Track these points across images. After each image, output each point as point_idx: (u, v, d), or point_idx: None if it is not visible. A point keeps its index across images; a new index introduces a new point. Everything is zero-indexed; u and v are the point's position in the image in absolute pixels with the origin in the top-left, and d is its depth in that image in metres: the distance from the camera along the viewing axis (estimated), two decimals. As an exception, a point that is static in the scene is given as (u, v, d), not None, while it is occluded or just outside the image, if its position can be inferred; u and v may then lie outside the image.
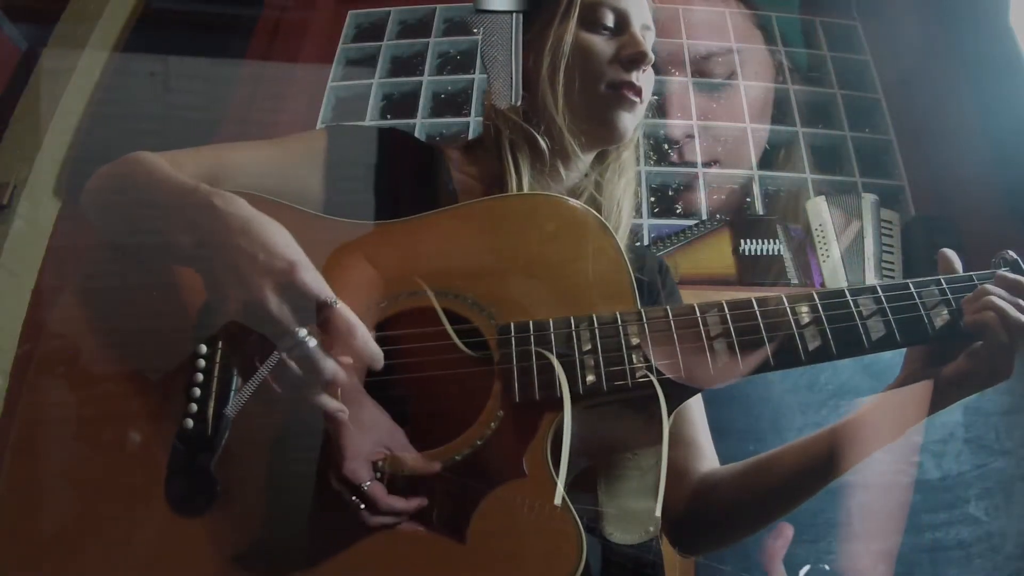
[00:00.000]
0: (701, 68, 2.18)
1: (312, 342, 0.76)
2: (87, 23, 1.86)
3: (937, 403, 0.89)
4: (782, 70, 2.19)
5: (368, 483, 0.79)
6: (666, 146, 2.12)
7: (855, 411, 0.96)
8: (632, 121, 1.05)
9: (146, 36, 2.02)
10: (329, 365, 0.77)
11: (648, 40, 1.05)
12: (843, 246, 1.98)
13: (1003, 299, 0.84)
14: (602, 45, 1.03)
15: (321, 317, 0.77)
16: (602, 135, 1.06)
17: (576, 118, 1.04)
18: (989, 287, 0.85)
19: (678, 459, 1.05)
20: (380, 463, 0.81)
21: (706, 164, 2.11)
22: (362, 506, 0.79)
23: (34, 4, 1.88)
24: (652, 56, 1.03)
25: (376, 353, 0.82)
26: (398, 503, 0.80)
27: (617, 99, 1.03)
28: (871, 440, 0.95)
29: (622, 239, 1.04)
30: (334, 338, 0.78)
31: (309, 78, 2.13)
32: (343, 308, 0.78)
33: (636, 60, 1.02)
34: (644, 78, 1.04)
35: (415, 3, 2.27)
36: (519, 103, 1.05)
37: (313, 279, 0.77)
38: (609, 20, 1.04)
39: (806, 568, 0.94)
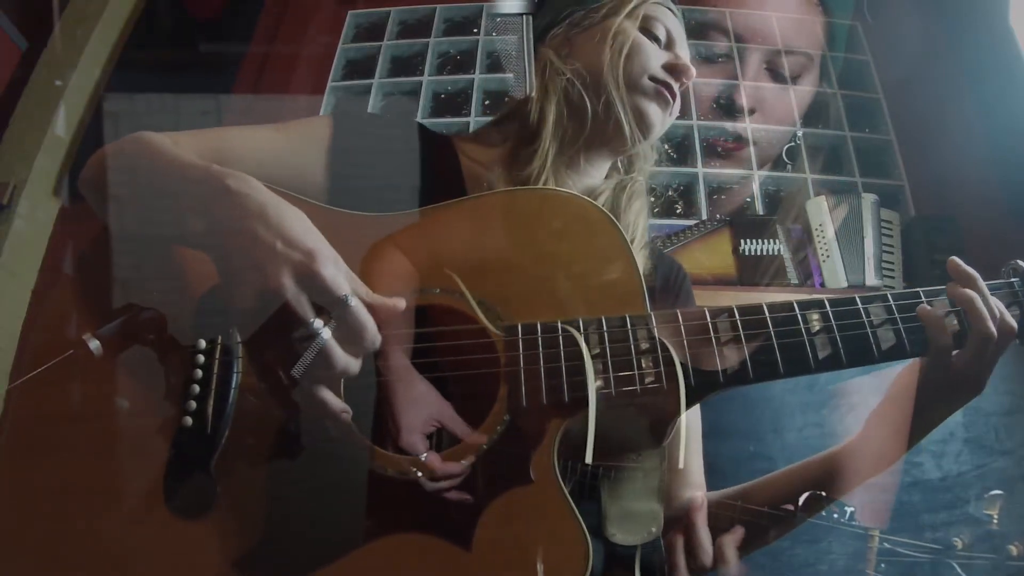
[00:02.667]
0: (779, 60, 2.21)
1: (327, 333, 0.76)
2: (87, 23, 1.85)
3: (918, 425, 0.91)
4: (827, 76, 2.22)
5: (425, 454, 0.81)
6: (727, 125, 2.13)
7: (834, 447, 0.97)
8: (660, 120, 1.10)
9: (146, 35, 2.02)
10: (341, 358, 0.77)
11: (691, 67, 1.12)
12: (836, 225, 1.98)
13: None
14: (654, 50, 1.10)
15: (335, 311, 0.77)
16: (633, 122, 1.08)
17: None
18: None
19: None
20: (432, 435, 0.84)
21: (752, 142, 2.15)
22: (419, 474, 0.81)
23: (34, 4, 1.87)
24: (693, 73, 1.10)
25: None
26: (454, 468, 0.81)
27: (656, 92, 1.09)
28: (851, 476, 0.96)
29: (637, 256, 1.04)
30: (344, 333, 0.77)
31: (309, 78, 2.12)
32: (357, 305, 0.77)
33: (680, 70, 1.10)
34: (678, 94, 1.11)
35: (415, 3, 2.27)
36: (533, 94, 1.10)
37: (331, 271, 0.77)
38: (661, 33, 1.11)
39: (806, 495, 0.94)
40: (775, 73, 2.20)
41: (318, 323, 0.76)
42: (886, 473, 0.96)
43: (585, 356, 0.82)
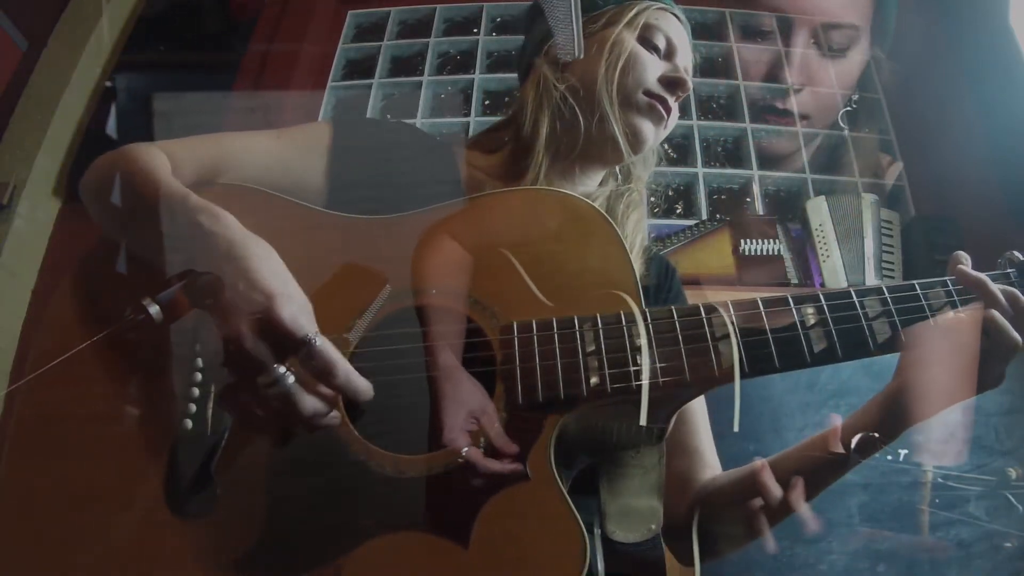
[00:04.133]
0: (826, 35, 2.22)
1: (290, 379, 0.74)
2: (87, 23, 1.86)
3: (928, 408, 0.89)
4: (878, 58, 2.23)
5: (466, 450, 0.81)
6: (776, 102, 2.15)
7: (849, 416, 0.96)
8: (652, 135, 1.09)
9: (146, 33, 2.02)
10: (308, 402, 0.75)
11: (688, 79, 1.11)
12: (841, 233, 1.99)
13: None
14: (652, 61, 1.09)
15: (301, 353, 0.75)
16: (626, 138, 1.07)
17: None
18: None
19: (681, 467, 1.05)
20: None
21: (802, 116, 2.18)
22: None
23: (34, 4, 1.87)
24: (690, 86, 1.09)
25: (362, 387, 0.79)
26: (495, 465, 0.80)
27: (649, 107, 1.07)
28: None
29: (635, 264, 1.04)
30: (314, 374, 0.76)
31: (309, 78, 2.13)
32: (323, 344, 0.75)
33: (676, 83, 1.08)
34: (673, 107, 1.09)
35: (415, 3, 2.27)
36: (581, 55, 1.09)
37: (290, 314, 0.75)
38: (661, 43, 1.10)
39: (858, 436, 0.93)
40: (823, 48, 2.21)
41: (280, 369, 0.74)
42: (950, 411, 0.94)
43: (641, 329, 0.83)
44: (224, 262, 0.77)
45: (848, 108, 2.16)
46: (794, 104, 2.17)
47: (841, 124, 2.14)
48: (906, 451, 0.93)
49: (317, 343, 0.75)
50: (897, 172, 2.05)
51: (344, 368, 0.76)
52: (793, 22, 2.25)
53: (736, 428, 0.82)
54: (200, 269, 0.79)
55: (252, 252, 0.79)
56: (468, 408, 0.83)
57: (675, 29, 1.11)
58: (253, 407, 0.76)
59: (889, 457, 0.91)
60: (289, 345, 0.74)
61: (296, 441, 0.82)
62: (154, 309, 0.82)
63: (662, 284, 1.12)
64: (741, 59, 2.23)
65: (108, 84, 1.92)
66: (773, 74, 2.21)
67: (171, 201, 0.84)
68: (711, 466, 1.07)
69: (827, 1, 2.27)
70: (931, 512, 1.56)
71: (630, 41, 1.07)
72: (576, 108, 1.06)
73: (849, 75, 2.20)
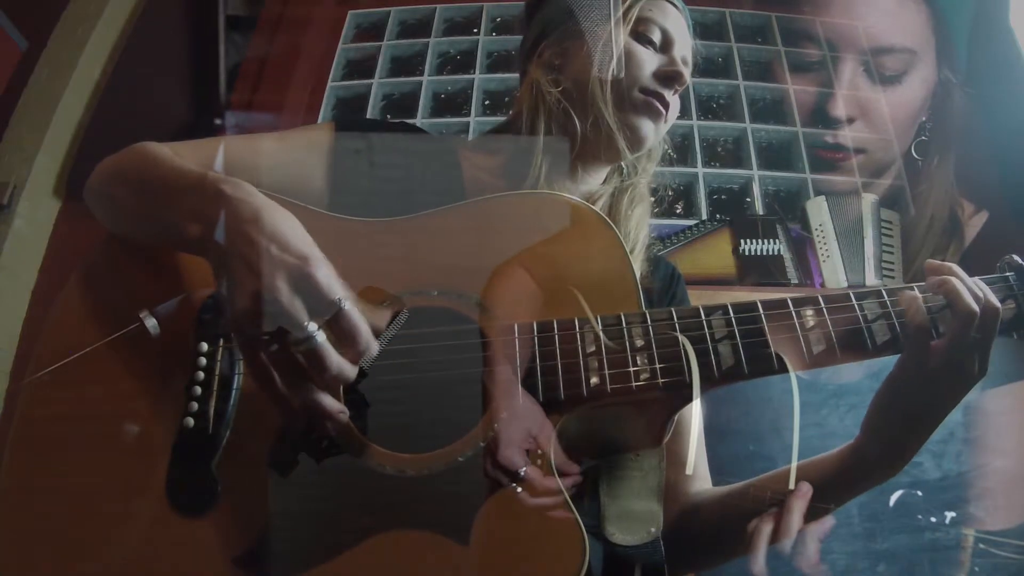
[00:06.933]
0: (877, 61, 2.16)
1: (321, 336, 0.75)
2: (87, 23, 1.86)
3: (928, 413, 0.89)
4: (947, 82, 2.15)
5: (524, 469, 0.80)
6: (826, 136, 2.10)
7: (841, 448, 0.96)
8: (652, 133, 1.08)
9: (145, 34, 2.02)
10: (335, 361, 0.76)
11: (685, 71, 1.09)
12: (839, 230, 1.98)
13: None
14: (647, 56, 1.07)
15: (330, 315, 0.76)
16: (624, 137, 1.07)
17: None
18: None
19: (669, 477, 1.04)
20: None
21: (858, 151, 2.11)
22: (519, 490, 0.80)
23: (34, 4, 1.87)
24: (688, 80, 1.08)
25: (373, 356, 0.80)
26: (553, 483, 0.80)
27: (646, 105, 1.06)
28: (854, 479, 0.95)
29: (637, 261, 1.04)
30: (339, 337, 0.77)
31: (309, 78, 2.13)
32: (351, 308, 0.77)
33: (672, 78, 1.07)
34: (672, 101, 1.08)
35: (415, 3, 2.27)
36: (621, 74, 1.07)
37: (325, 275, 0.76)
38: (656, 36, 1.08)
39: (899, 492, 0.92)
40: (875, 75, 2.14)
41: (312, 326, 0.75)
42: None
43: (687, 348, 0.83)
44: (252, 226, 0.78)
45: (922, 138, 2.07)
46: (848, 138, 2.09)
47: (915, 155, 2.07)
48: (953, 514, 0.91)
49: (346, 306, 0.76)
50: (981, 224, 1.96)
51: (368, 335, 0.78)
52: (839, 47, 2.15)
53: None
54: (228, 236, 0.79)
55: (279, 217, 0.80)
56: (525, 425, 0.83)
57: (671, 18, 1.09)
58: (278, 368, 0.76)
59: (933, 519, 0.89)
60: (320, 306, 0.76)
61: (297, 440, 0.82)
62: (151, 323, 0.83)
63: (667, 290, 1.12)
64: (796, 100, 2.14)
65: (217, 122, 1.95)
66: (821, 107, 2.14)
67: (191, 176, 0.85)
68: (700, 477, 1.06)
69: (876, 26, 2.17)
70: (925, 517, 1.56)
71: (622, 39, 1.06)
72: (571, 110, 1.06)
73: (909, 104, 2.12)
